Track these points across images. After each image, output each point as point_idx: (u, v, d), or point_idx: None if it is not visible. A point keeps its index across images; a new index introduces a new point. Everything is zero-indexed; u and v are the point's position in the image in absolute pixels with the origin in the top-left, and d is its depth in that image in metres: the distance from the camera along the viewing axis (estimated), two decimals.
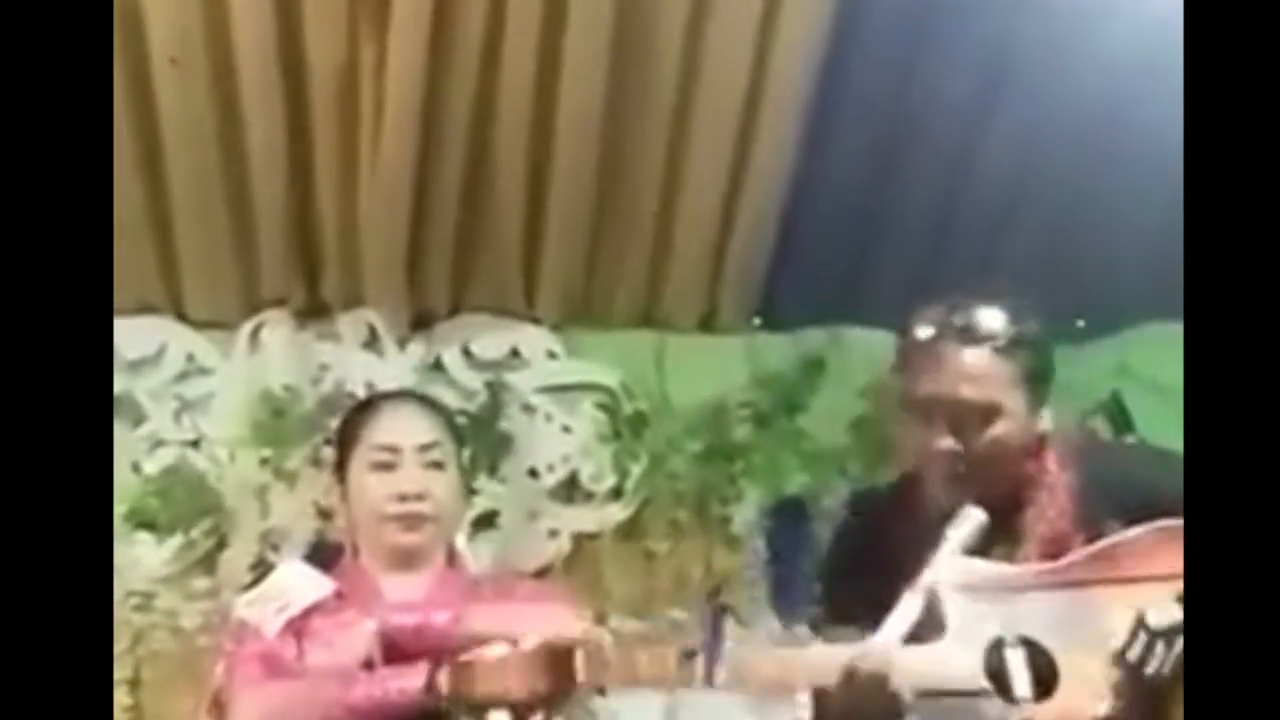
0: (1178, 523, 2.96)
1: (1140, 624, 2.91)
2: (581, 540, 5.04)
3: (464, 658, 3.24)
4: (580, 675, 2.97)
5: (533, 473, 5.06)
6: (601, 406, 5.10)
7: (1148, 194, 4.58)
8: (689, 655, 3.00)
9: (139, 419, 4.96)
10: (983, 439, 3.12)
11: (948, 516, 3.09)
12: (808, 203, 4.93)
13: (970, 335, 3.12)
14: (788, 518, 5.04)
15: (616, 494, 5.06)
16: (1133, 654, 2.91)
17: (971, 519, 3.05)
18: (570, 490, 5.09)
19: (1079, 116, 4.71)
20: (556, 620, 3.63)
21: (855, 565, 3.30)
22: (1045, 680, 2.94)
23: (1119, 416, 5.01)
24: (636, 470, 5.04)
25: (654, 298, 5.15)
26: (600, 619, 4.71)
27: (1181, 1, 2.55)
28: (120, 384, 4.90)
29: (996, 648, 2.95)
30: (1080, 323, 5.11)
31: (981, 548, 3.06)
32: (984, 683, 2.94)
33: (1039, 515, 3.16)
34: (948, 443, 3.12)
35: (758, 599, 4.91)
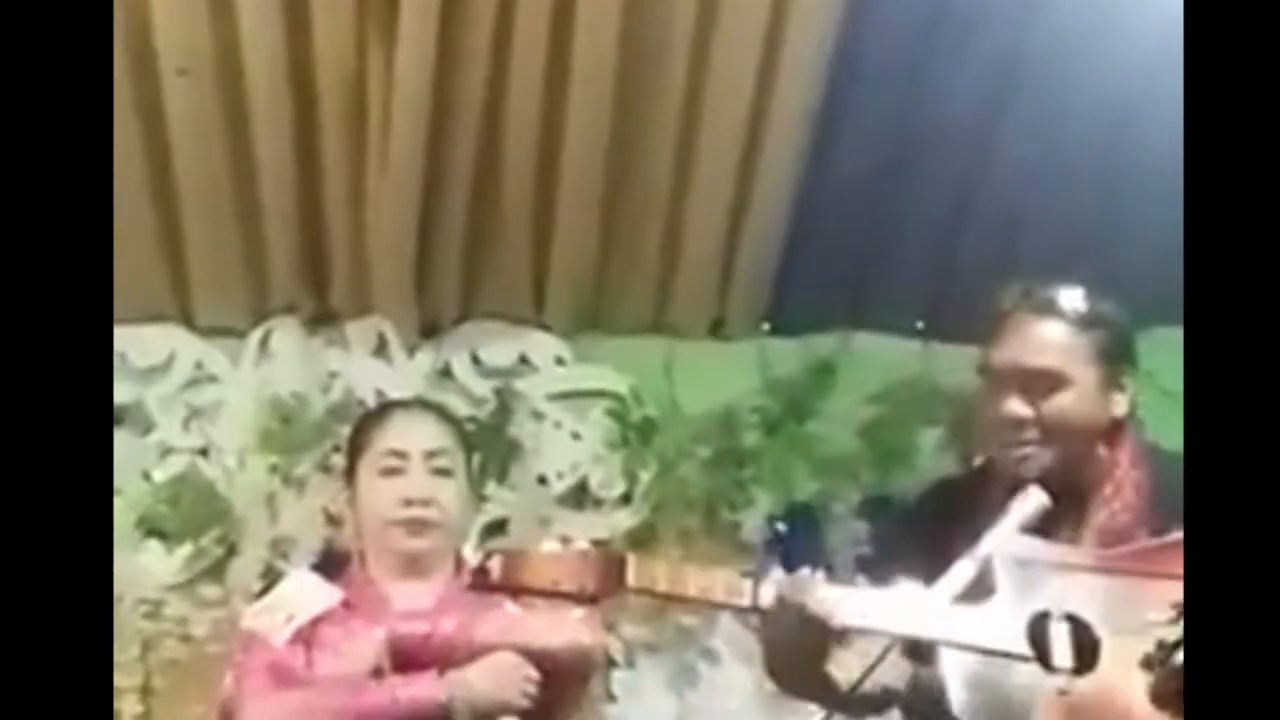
0: None
1: None
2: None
3: (517, 550, 3.21)
4: (631, 579, 2.95)
5: (542, 480, 5.06)
6: (611, 413, 5.09)
7: (1156, 200, 4.56)
8: (745, 575, 3.00)
9: (148, 427, 4.97)
10: (1049, 406, 3.15)
11: (1014, 493, 3.10)
12: (816, 208, 4.93)
13: (1048, 309, 3.18)
14: (798, 524, 5.03)
15: (626, 500, 5.05)
16: (1179, 658, 2.88)
17: (1034, 498, 3.07)
18: (580, 497, 5.09)
19: (1086, 125, 4.71)
20: (566, 628, 3.64)
21: (924, 543, 3.31)
22: (1086, 656, 2.95)
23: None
24: (646, 477, 5.03)
25: (663, 304, 5.15)
26: (610, 626, 4.72)
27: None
28: (129, 392, 4.92)
29: (1042, 618, 2.96)
30: None
31: (1042, 528, 3.08)
32: (1025, 649, 2.95)
33: (1103, 504, 3.19)
34: (1016, 407, 3.16)
35: None
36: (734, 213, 4.94)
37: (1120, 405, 3.23)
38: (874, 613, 2.98)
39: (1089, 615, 2.99)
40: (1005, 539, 3.04)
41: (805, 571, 3.00)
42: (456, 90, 4.57)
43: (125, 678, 4.69)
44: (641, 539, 5.03)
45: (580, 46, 4.52)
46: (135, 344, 4.94)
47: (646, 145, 4.79)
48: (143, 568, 4.83)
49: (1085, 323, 3.19)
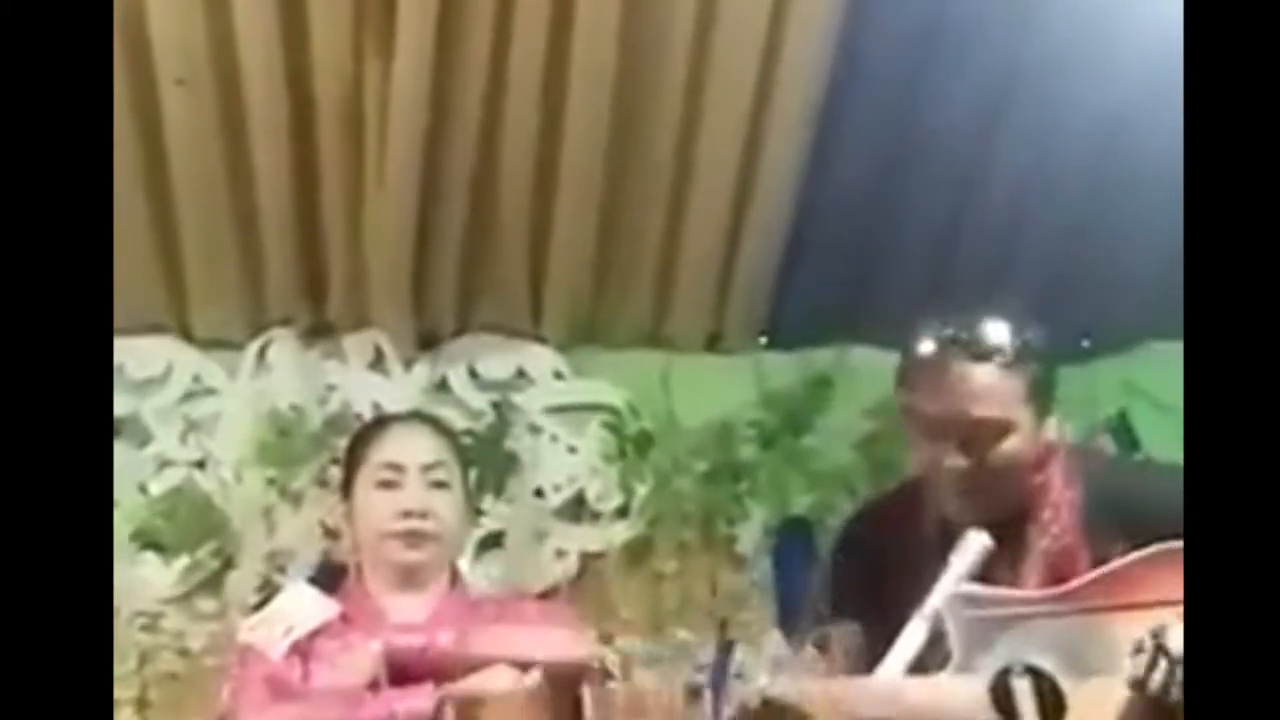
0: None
1: (1160, 650, 2.88)
2: (588, 560, 5.03)
3: (471, 692, 3.22)
4: (588, 715, 2.94)
5: (539, 493, 5.05)
6: (608, 426, 5.09)
7: (1153, 213, 4.57)
8: (695, 692, 2.97)
9: (145, 439, 4.96)
10: (994, 456, 3.09)
11: (952, 529, 3.08)
12: (814, 222, 4.93)
13: (976, 351, 3.08)
14: (794, 537, 5.03)
15: (623, 513, 5.05)
16: (1155, 683, 2.87)
17: (976, 545, 3.03)
18: (577, 510, 5.08)
19: (1083, 137, 4.71)
20: (562, 642, 3.64)
21: (858, 575, 3.29)
22: (1052, 709, 2.92)
23: (1125, 435, 5.00)
24: (643, 490, 5.03)
25: (660, 317, 5.15)
26: (607, 639, 4.71)
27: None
28: (127, 404, 4.91)
29: (1003, 676, 2.93)
30: (1086, 342, 5.10)
31: (988, 570, 3.03)
32: (990, 713, 2.92)
33: (1043, 531, 3.14)
34: (959, 461, 3.09)
35: (763, 619, 4.90)
36: (731, 226, 4.94)
37: (1051, 430, 3.17)
38: (843, 699, 2.96)
39: (1050, 663, 2.95)
40: (952, 593, 2.99)
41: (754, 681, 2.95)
42: (453, 102, 4.57)
43: (122, 690, 4.68)
44: (638, 552, 5.04)
45: (578, 59, 4.53)
46: (132, 356, 4.94)
47: (644, 158, 4.79)
48: (140, 580, 4.82)
49: (1016, 360, 3.09)
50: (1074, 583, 3.05)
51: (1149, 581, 2.98)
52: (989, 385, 3.08)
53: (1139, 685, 2.89)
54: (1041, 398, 3.14)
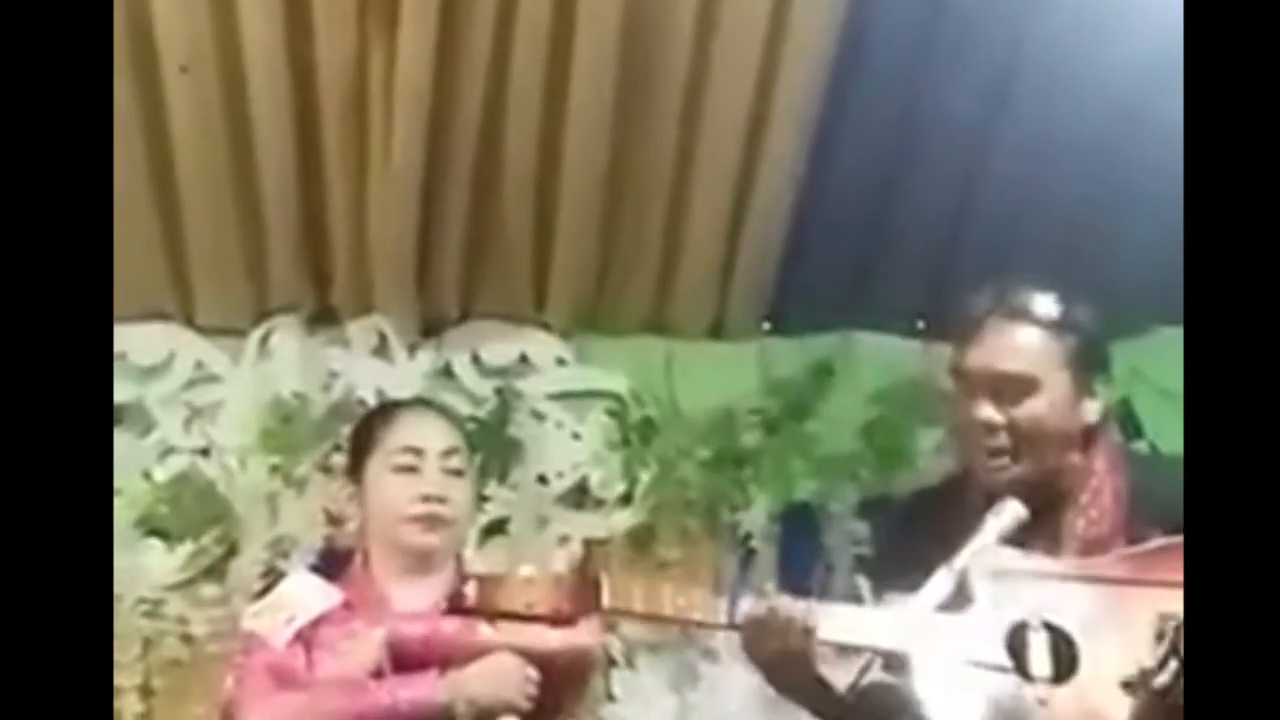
0: None
1: (1173, 650, 2.88)
2: (591, 547, 5.03)
3: (492, 574, 3.24)
4: (605, 600, 2.97)
5: (542, 479, 5.06)
6: (611, 413, 5.09)
7: (1156, 200, 4.57)
8: (720, 594, 3.03)
9: (149, 426, 4.96)
10: (1020, 411, 3.15)
11: (989, 505, 3.11)
12: (816, 208, 4.93)
13: (1022, 314, 3.19)
14: (797, 524, 5.03)
15: (626, 500, 5.05)
16: (1160, 681, 2.87)
17: (1010, 511, 3.07)
18: (580, 497, 5.08)
19: (1088, 123, 4.70)
20: (565, 628, 3.63)
21: (901, 562, 3.31)
22: (1064, 665, 2.96)
23: (1128, 422, 4.99)
24: (646, 477, 5.03)
25: (663, 304, 5.15)
26: (611, 625, 4.72)
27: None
28: (130, 391, 4.91)
29: (1020, 628, 2.98)
30: None
31: (1020, 538, 3.08)
32: (1003, 659, 2.96)
33: (1080, 513, 3.19)
34: (987, 412, 3.16)
35: None
36: (734, 213, 4.94)
37: (1093, 412, 3.23)
38: (853, 627, 3.02)
39: (1068, 624, 2.99)
40: (982, 551, 3.04)
41: (775, 591, 3.01)
42: (457, 89, 4.57)
43: (126, 677, 4.70)
44: (641, 539, 5.03)
45: (581, 46, 4.53)
46: (136, 343, 4.94)
47: (647, 146, 4.79)
48: (143, 567, 4.83)
49: (1058, 328, 3.19)
50: (1101, 557, 3.10)
51: (1173, 564, 2.99)
52: (1023, 343, 3.18)
53: (1146, 676, 2.89)
54: (1082, 372, 3.21)
